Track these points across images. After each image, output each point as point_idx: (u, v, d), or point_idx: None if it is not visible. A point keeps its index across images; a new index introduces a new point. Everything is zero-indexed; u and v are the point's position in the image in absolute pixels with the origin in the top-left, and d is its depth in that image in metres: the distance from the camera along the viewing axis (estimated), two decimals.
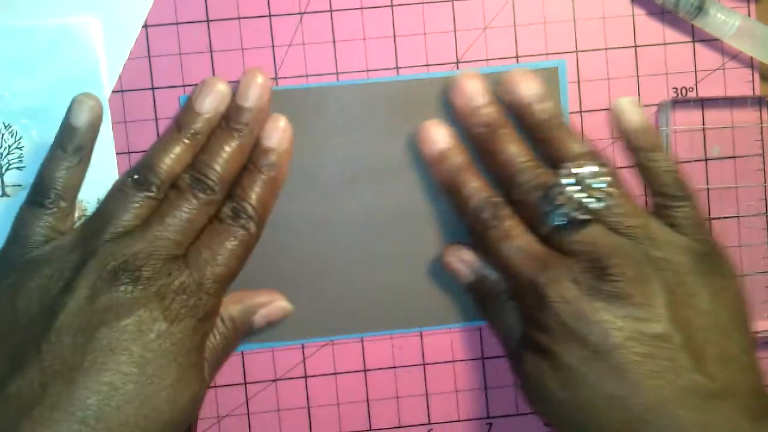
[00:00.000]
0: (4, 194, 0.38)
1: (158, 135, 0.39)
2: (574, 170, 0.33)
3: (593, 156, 0.35)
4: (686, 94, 0.40)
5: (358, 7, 0.39)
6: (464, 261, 0.38)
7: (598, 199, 0.33)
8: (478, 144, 0.37)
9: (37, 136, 0.38)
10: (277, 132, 0.37)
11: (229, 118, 0.36)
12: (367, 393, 0.40)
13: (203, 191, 0.34)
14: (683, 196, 0.35)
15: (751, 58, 0.40)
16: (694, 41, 0.40)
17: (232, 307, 0.36)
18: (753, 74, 0.40)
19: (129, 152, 0.39)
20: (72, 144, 0.35)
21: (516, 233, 0.35)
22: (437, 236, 0.39)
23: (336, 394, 0.40)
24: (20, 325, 0.32)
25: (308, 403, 0.40)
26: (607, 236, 0.33)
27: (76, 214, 0.38)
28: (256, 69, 0.37)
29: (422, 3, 0.39)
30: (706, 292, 0.33)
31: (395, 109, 0.39)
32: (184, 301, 0.32)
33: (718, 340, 0.32)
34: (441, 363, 0.40)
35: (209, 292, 0.33)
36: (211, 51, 0.39)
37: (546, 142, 0.36)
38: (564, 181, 0.33)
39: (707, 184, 0.40)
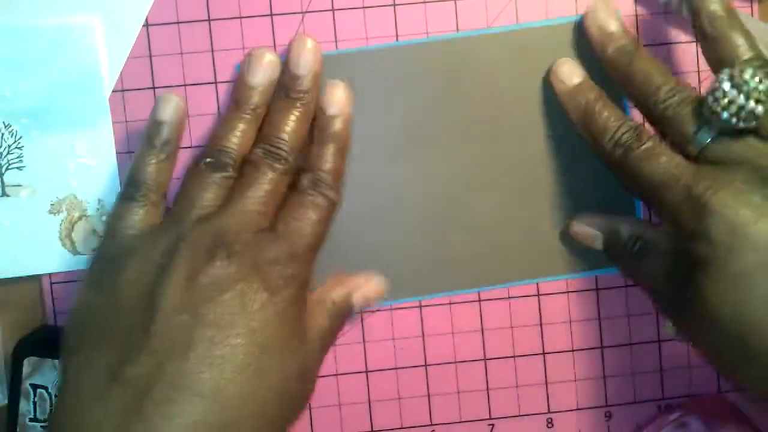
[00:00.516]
0: (4, 194, 0.38)
1: None
2: (736, 73, 0.32)
3: (756, 58, 0.34)
4: None
5: (360, 7, 0.39)
6: (592, 223, 0.38)
7: (762, 103, 0.32)
8: (615, 69, 0.37)
9: (38, 136, 0.38)
10: (338, 98, 0.37)
11: (287, 87, 0.36)
12: (368, 394, 0.40)
13: (278, 161, 0.35)
14: None
15: None
16: (696, 41, 0.40)
17: (333, 290, 0.37)
18: None
19: (130, 152, 0.39)
20: (159, 139, 0.36)
21: (661, 150, 0.34)
22: (493, 197, 0.40)
23: (337, 395, 0.40)
24: (125, 314, 0.32)
25: (310, 404, 0.40)
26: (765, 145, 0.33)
27: (76, 215, 0.38)
28: (304, 35, 0.37)
29: (424, 2, 0.39)
30: None
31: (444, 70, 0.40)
32: (280, 271, 0.33)
33: None
34: (443, 364, 0.40)
35: (302, 261, 0.34)
36: (212, 50, 0.39)
37: (713, 40, 0.35)
38: (725, 86, 0.32)
39: None
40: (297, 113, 0.36)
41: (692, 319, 0.33)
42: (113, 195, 0.38)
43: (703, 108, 0.33)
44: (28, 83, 0.37)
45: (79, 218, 0.38)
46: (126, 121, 0.38)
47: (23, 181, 0.38)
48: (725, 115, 0.32)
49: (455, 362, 0.40)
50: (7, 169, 0.38)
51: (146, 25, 0.38)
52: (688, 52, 0.40)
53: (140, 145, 0.36)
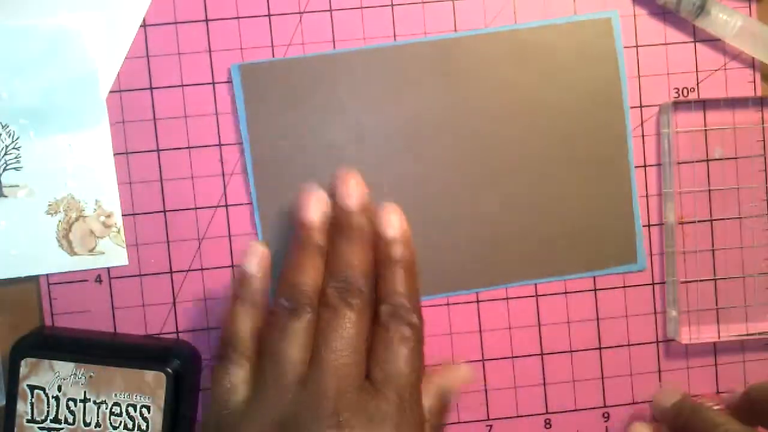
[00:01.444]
0: (2, 194, 0.38)
1: (157, 135, 0.39)
2: None
3: None
4: (687, 94, 0.40)
5: (358, 7, 0.39)
6: None
7: None
8: None
9: (35, 137, 0.38)
10: (395, 220, 0.36)
11: (342, 223, 0.36)
12: None
13: (355, 296, 0.34)
14: None
15: (753, 58, 0.40)
16: (695, 41, 0.40)
17: (426, 399, 0.35)
18: (754, 74, 0.40)
19: (127, 153, 0.38)
20: (250, 293, 0.35)
21: None
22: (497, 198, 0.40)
23: None
24: None
25: None
26: None
27: (74, 215, 0.38)
28: (345, 171, 0.36)
29: (422, 2, 0.39)
30: None
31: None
32: (394, 424, 0.32)
33: None
34: (441, 365, 0.40)
35: (412, 404, 0.33)
36: (210, 51, 0.38)
37: None
38: None
39: (709, 185, 0.40)
40: (358, 240, 0.35)
41: None
42: (111, 195, 0.38)
43: None
44: (25, 84, 0.37)
45: (77, 219, 0.38)
46: (123, 122, 0.38)
47: (21, 181, 0.38)
48: None
49: (453, 363, 0.40)
50: (4, 169, 0.38)
51: (144, 25, 0.38)
52: (687, 52, 0.40)
53: (231, 301, 0.35)
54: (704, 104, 0.40)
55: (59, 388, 0.37)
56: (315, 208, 0.36)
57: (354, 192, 0.36)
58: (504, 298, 0.40)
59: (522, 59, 0.39)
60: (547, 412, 0.41)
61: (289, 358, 0.33)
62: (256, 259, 0.35)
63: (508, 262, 0.40)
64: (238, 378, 0.33)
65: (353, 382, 0.32)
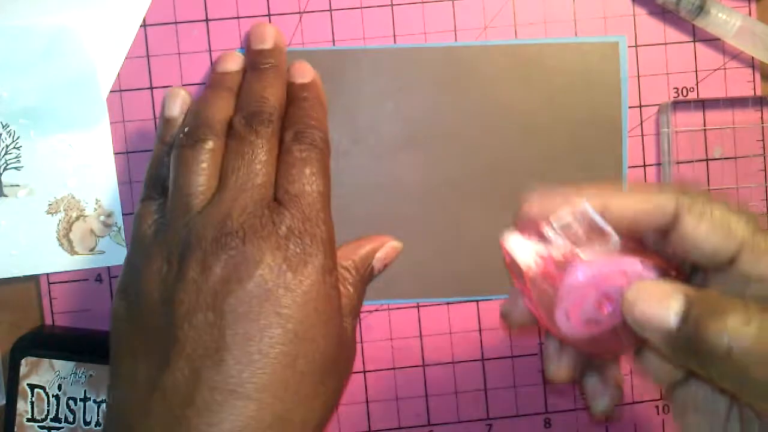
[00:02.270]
0: (2, 194, 0.38)
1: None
2: None
3: None
4: (687, 93, 0.40)
5: (358, 7, 0.39)
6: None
7: None
8: None
9: (35, 136, 0.38)
10: (306, 68, 0.36)
11: (254, 61, 0.36)
12: (366, 394, 0.40)
13: (262, 124, 0.33)
14: None
15: (752, 57, 0.40)
16: (694, 41, 0.40)
17: (351, 256, 0.36)
18: (754, 74, 0.40)
19: (127, 152, 0.39)
20: (171, 135, 0.35)
21: None
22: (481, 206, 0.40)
23: None
24: (152, 321, 0.31)
25: None
26: None
27: (74, 215, 0.38)
28: (263, 23, 0.37)
29: (422, 2, 0.39)
30: None
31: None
32: (299, 242, 0.31)
33: None
34: (441, 364, 0.40)
35: (317, 222, 0.32)
36: (210, 50, 0.39)
37: None
38: None
39: (708, 184, 0.40)
40: (270, 76, 0.35)
41: None
42: (111, 195, 0.38)
43: None
44: (25, 83, 0.37)
45: (77, 218, 0.38)
46: (124, 121, 0.38)
47: (21, 181, 0.38)
48: None
49: (453, 362, 0.40)
50: (5, 169, 0.38)
51: (144, 25, 0.38)
52: (686, 52, 0.40)
53: (155, 144, 0.35)
54: (704, 104, 0.40)
55: (59, 387, 0.37)
56: (231, 62, 0.36)
57: (268, 36, 0.36)
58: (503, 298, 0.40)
59: (519, 74, 0.39)
60: (547, 412, 0.41)
61: (191, 187, 0.32)
62: (178, 101, 0.35)
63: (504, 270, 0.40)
64: (158, 214, 0.33)
65: (256, 202, 0.32)
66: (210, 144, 0.33)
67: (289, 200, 0.32)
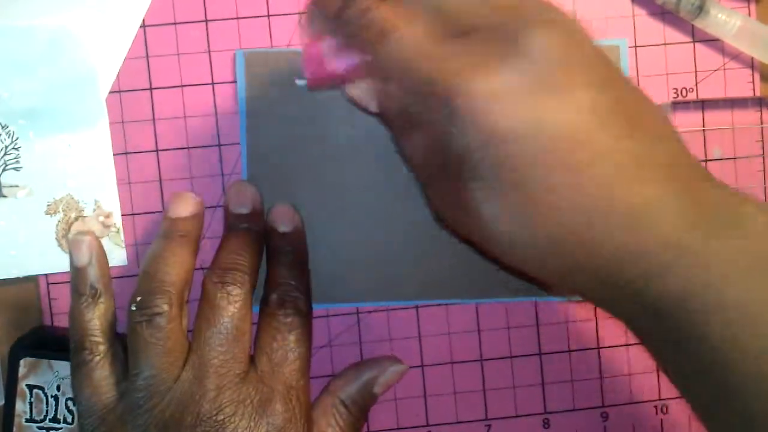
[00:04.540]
0: (1, 195, 0.38)
1: (156, 136, 0.39)
2: None
3: None
4: (686, 94, 0.40)
5: None
6: (363, 88, 0.33)
7: None
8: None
9: (35, 137, 0.38)
10: (286, 215, 0.36)
11: (232, 224, 0.36)
12: None
13: (236, 286, 0.33)
14: None
15: (752, 58, 0.40)
16: (694, 41, 0.40)
17: (348, 388, 0.35)
18: (753, 75, 0.40)
19: (126, 153, 0.39)
20: (85, 285, 0.34)
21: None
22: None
23: None
24: None
25: None
26: None
27: (73, 215, 0.38)
28: (239, 181, 0.37)
29: None
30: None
31: None
32: (283, 416, 0.32)
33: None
34: (440, 364, 0.40)
35: (298, 391, 0.33)
36: (209, 51, 0.39)
37: None
38: None
39: None
40: (247, 239, 0.35)
41: (459, 207, 0.28)
42: (110, 195, 0.38)
43: None
44: (24, 84, 0.37)
45: (76, 219, 0.38)
46: (123, 122, 0.38)
47: (20, 181, 0.38)
48: None
49: (452, 363, 0.40)
50: (4, 169, 0.38)
51: (143, 25, 0.38)
52: (686, 52, 0.40)
53: (71, 299, 0.34)
54: (703, 104, 0.40)
55: (58, 388, 0.37)
56: (183, 206, 0.35)
57: (246, 200, 0.36)
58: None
59: None
60: (545, 412, 0.41)
61: (155, 368, 0.31)
62: (84, 248, 0.34)
63: (504, 275, 0.40)
64: (100, 378, 0.32)
65: (234, 377, 0.32)
66: (167, 316, 0.32)
67: (270, 370, 0.32)
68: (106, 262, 0.35)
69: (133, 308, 0.32)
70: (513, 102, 0.25)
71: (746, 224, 0.25)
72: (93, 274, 0.34)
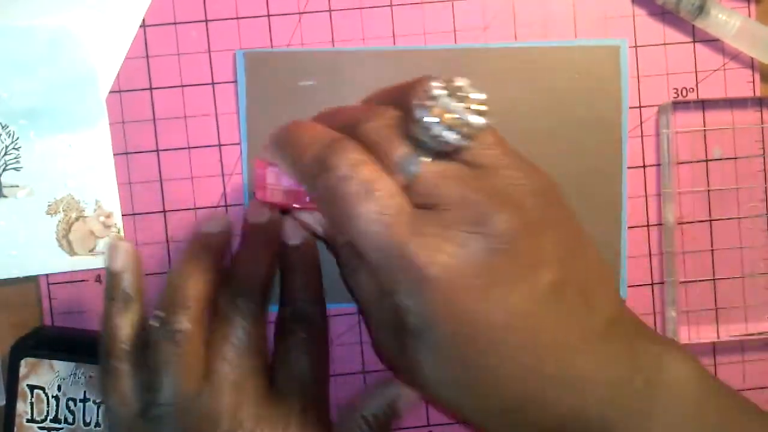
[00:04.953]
0: (2, 195, 0.38)
1: (156, 136, 0.39)
2: (446, 81, 0.27)
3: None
4: (687, 94, 0.40)
5: (358, 7, 0.39)
6: (312, 218, 0.34)
7: (481, 114, 0.27)
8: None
9: (35, 137, 0.38)
10: (297, 229, 0.36)
11: (245, 234, 0.36)
12: None
13: (249, 301, 0.33)
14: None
15: (752, 58, 0.40)
16: (694, 41, 0.40)
17: (372, 405, 0.35)
18: (753, 75, 0.40)
19: (127, 153, 0.38)
20: (117, 290, 0.33)
21: (378, 177, 0.27)
22: None
23: (335, 395, 0.40)
24: None
25: None
26: (475, 175, 0.27)
27: (74, 215, 0.38)
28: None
29: (422, 3, 0.39)
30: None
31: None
32: (299, 429, 0.32)
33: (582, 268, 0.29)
34: None
35: (315, 408, 0.33)
36: (209, 51, 0.39)
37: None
38: (437, 92, 0.26)
39: (708, 185, 0.40)
40: (263, 250, 0.35)
41: (402, 358, 0.29)
42: (110, 195, 0.38)
43: (412, 126, 0.27)
44: (25, 84, 0.37)
45: (77, 219, 0.38)
46: (123, 122, 0.38)
47: (21, 181, 0.38)
48: (438, 130, 0.26)
49: None
50: (4, 170, 0.38)
51: (143, 25, 0.38)
52: (686, 53, 0.40)
53: (104, 303, 0.34)
54: (703, 104, 0.40)
55: (59, 388, 0.37)
56: (213, 223, 0.35)
57: (264, 212, 0.36)
58: None
59: (519, 77, 0.39)
60: None
61: (177, 385, 0.31)
62: (122, 254, 0.34)
63: None
64: (127, 387, 0.32)
65: (252, 392, 0.32)
66: (188, 332, 0.32)
67: (287, 385, 0.33)
68: (141, 271, 0.35)
69: (156, 324, 0.32)
70: (481, 286, 0.26)
71: (676, 382, 0.28)
72: (127, 280, 0.33)
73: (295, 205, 0.32)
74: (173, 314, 0.32)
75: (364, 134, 0.28)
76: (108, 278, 0.34)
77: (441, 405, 0.30)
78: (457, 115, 0.26)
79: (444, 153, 0.27)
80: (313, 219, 0.34)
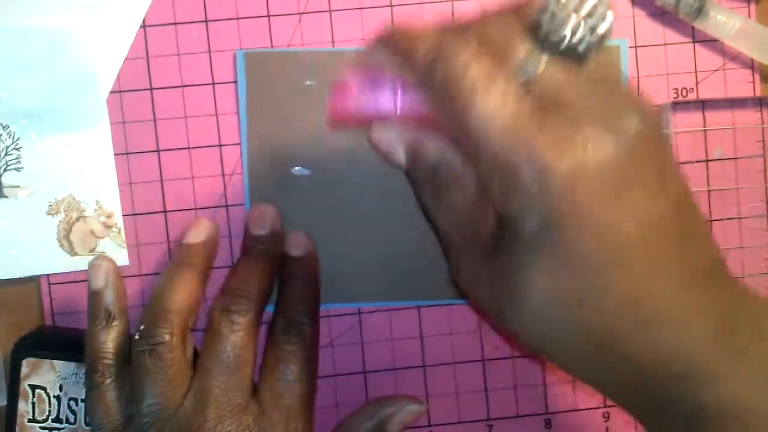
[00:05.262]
0: (2, 195, 0.38)
1: (157, 136, 0.39)
2: None
3: None
4: (686, 94, 0.40)
5: (358, 8, 0.39)
6: (398, 134, 0.32)
7: (601, 21, 0.26)
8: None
9: (35, 137, 0.38)
10: (300, 241, 0.37)
11: (247, 246, 0.36)
12: (366, 395, 0.40)
13: (240, 314, 0.33)
14: None
15: (752, 59, 0.40)
16: (694, 42, 0.40)
17: (363, 425, 0.36)
18: (753, 75, 0.40)
19: (127, 153, 0.38)
20: (100, 309, 0.34)
21: (497, 75, 0.25)
22: None
23: (335, 396, 0.40)
24: None
25: None
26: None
27: (74, 216, 0.38)
28: (260, 204, 0.37)
29: (421, 3, 0.39)
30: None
31: None
32: None
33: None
34: (441, 365, 0.40)
35: (301, 424, 0.33)
36: (209, 51, 0.39)
37: None
38: None
39: (708, 185, 0.40)
40: (260, 261, 0.35)
41: (494, 283, 0.27)
42: (111, 196, 0.38)
43: (535, 27, 0.26)
44: (25, 84, 0.37)
45: (77, 219, 0.38)
46: (124, 122, 0.38)
47: (21, 182, 0.38)
48: (563, 32, 0.25)
49: (453, 363, 0.40)
50: (5, 170, 0.38)
51: (143, 26, 0.38)
52: (686, 53, 0.40)
53: (88, 321, 0.34)
54: (703, 105, 0.40)
55: (60, 388, 0.37)
56: (196, 233, 0.36)
57: (266, 221, 0.36)
58: None
59: None
60: (547, 412, 0.41)
61: (157, 396, 0.32)
62: (101, 273, 0.34)
63: None
64: (110, 400, 0.33)
65: (235, 407, 0.32)
66: (168, 345, 0.32)
67: (271, 400, 0.32)
68: (123, 287, 0.35)
69: (137, 336, 0.33)
70: (600, 188, 0.24)
71: None
72: (108, 298, 0.34)
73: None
74: (154, 327, 0.32)
75: (482, 35, 0.26)
76: (90, 297, 0.35)
77: (531, 339, 0.27)
78: (588, 12, 0.25)
79: (567, 56, 0.26)
80: (397, 138, 0.32)
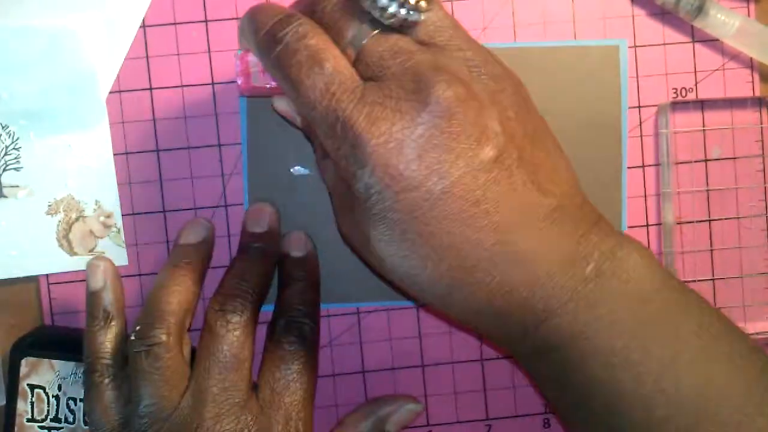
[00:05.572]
0: (2, 195, 0.38)
1: (156, 136, 0.39)
2: None
3: None
4: (686, 94, 0.40)
5: None
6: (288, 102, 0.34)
7: None
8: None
9: (35, 137, 0.38)
10: (300, 241, 0.37)
11: (244, 243, 0.36)
12: (365, 394, 0.40)
13: (236, 313, 0.33)
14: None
15: (751, 58, 0.40)
16: (693, 41, 0.40)
17: (361, 424, 0.36)
18: (753, 75, 0.40)
19: (127, 153, 0.39)
20: (98, 309, 0.34)
21: (328, 52, 0.28)
22: None
23: (334, 396, 0.40)
24: None
25: None
26: (421, 47, 0.28)
27: (74, 215, 0.38)
28: (259, 203, 0.38)
29: None
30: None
31: None
32: None
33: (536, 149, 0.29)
34: (440, 364, 0.40)
35: (300, 423, 0.33)
36: (209, 51, 0.39)
37: None
38: None
39: (707, 185, 0.40)
40: (256, 259, 0.35)
41: (357, 233, 0.30)
42: (110, 196, 0.38)
43: (362, 1, 0.28)
44: (25, 85, 0.37)
45: (77, 219, 0.38)
46: (123, 122, 0.39)
47: (21, 182, 0.38)
48: (384, 2, 0.27)
49: (452, 362, 0.40)
50: (4, 170, 0.38)
51: (143, 26, 0.38)
52: (686, 53, 0.40)
53: (86, 322, 0.35)
54: (703, 104, 0.40)
55: (59, 388, 0.37)
56: (192, 232, 0.36)
57: (263, 220, 0.36)
58: None
59: (523, 76, 0.39)
60: (546, 412, 0.41)
61: (154, 397, 0.32)
62: (99, 273, 0.35)
63: None
64: (108, 400, 0.33)
65: (233, 406, 0.32)
66: (165, 346, 0.32)
67: (271, 399, 0.33)
68: (121, 288, 0.36)
69: (133, 337, 0.33)
70: (417, 153, 0.26)
71: (624, 268, 0.28)
72: (106, 298, 0.35)
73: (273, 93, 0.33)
74: (151, 328, 0.33)
75: (320, 13, 0.29)
76: (88, 297, 0.35)
77: (401, 285, 0.30)
78: None
79: (393, 28, 0.28)
80: (291, 108, 0.34)
